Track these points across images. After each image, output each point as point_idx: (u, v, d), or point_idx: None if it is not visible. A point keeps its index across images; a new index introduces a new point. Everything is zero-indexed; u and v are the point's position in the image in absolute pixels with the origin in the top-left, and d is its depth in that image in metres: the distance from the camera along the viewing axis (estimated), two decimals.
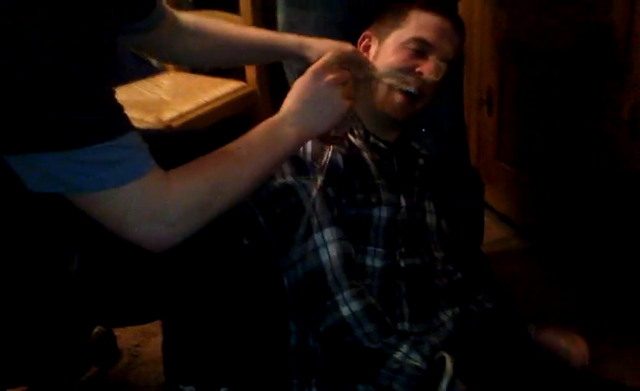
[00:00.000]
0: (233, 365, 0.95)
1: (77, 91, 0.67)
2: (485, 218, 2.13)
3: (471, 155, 2.07)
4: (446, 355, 0.92)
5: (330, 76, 0.91)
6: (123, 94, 2.12)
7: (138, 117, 1.76)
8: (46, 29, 0.63)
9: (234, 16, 1.92)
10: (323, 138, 0.99)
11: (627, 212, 1.61)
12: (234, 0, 1.91)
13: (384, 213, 1.05)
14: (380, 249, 1.04)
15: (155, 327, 1.54)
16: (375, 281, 1.03)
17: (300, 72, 0.96)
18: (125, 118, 0.73)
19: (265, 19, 1.84)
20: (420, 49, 1.10)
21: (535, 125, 1.87)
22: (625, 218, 1.62)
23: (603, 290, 1.73)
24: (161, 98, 1.97)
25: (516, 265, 1.92)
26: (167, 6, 1.06)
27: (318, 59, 0.94)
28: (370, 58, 1.14)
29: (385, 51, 1.13)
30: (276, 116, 0.89)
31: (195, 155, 0.83)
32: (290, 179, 1.01)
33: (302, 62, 1.09)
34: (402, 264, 1.05)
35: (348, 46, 1.06)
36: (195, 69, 2.12)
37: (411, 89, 1.09)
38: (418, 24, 1.11)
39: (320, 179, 1.01)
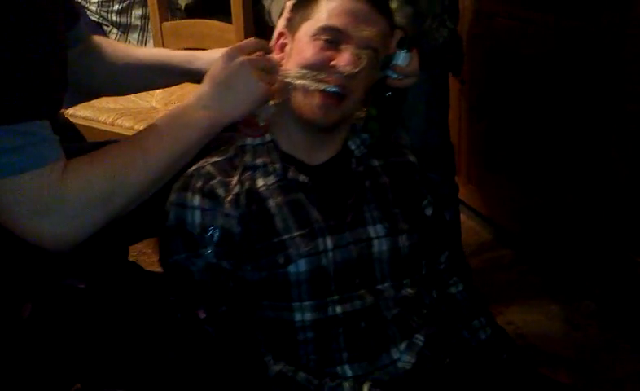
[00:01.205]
0: None
1: None
2: (474, 224, 2.15)
3: (462, 162, 2.09)
4: (365, 385, 0.89)
5: (243, 57, 0.86)
6: (114, 103, 2.12)
7: (129, 125, 1.76)
8: None
9: (227, 25, 1.92)
10: (242, 127, 0.92)
11: (618, 220, 1.62)
12: (227, 8, 1.91)
13: (302, 267, 0.93)
14: (307, 303, 0.94)
15: None
16: (309, 333, 0.94)
17: None
18: (37, 105, 0.70)
19: (258, 27, 1.84)
20: (333, 39, 0.95)
21: (524, 132, 1.88)
22: (616, 226, 1.63)
23: (593, 297, 1.74)
24: (152, 106, 1.96)
25: (505, 272, 1.93)
26: (87, 30, 1.03)
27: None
28: (286, 57, 1.01)
29: (297, 47, 0.98)
30: (186, 101, 0.83)
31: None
32: (179, 257, 0.96)
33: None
34: (338, 310, 0.95)
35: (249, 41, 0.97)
36: None
37: (330, 87, 0.94)
38: (328, 12, 0.96)
39: (210, 251, 0.94)
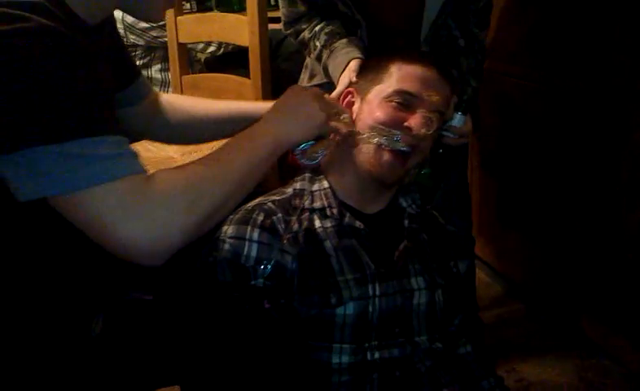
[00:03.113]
0: None
1: (72, 89, 0.71)
2: (485, 278, 2.14)
3: (475, 215, 2.10)
4: None
5: (308, 91, 0.98)
6: None
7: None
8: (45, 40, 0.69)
9: (244, 79, 1.97)
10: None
11: (631, 274, 1.61)
12: (245, 62, 1.97)
13: (350, 309, 0.96)
14: (347, 345, 0.97)
15: None
16: (344, 377, 0.96)
17: None
18: (119, 129, 0.76)
19: (275, 85, 1.89)
20: (405, 102, 1.01)
21: (535, 187, 1.90)
22: (630, 281, 1.62)
23: (607, 355, 1.71)
24: (170, 155, 2.01)
25: (516, 327, 1.91)
26: (149, 84, 1.11)
27: None
28: (354, 115, 1.07)
29: (368, 107, 1.05)
30: (254, 124, 0.92)
31: None
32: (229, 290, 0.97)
33: None
34: (376, 356, 0.97)
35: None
36: None
37: (402, 147, 1.00)
38: (400, 77, 1.03)
39: (260, 283, 0.96)
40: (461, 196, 1.68)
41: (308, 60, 1.51)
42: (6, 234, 0.80)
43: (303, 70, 1.53)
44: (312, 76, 1.47)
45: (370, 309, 0.98)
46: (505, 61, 1.91)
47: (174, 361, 0.94)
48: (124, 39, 2.28)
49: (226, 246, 0.99)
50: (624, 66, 1.52)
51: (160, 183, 0.77)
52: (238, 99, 1.91)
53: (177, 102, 1.14)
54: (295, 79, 1.60)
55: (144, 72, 2.38)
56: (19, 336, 0.83)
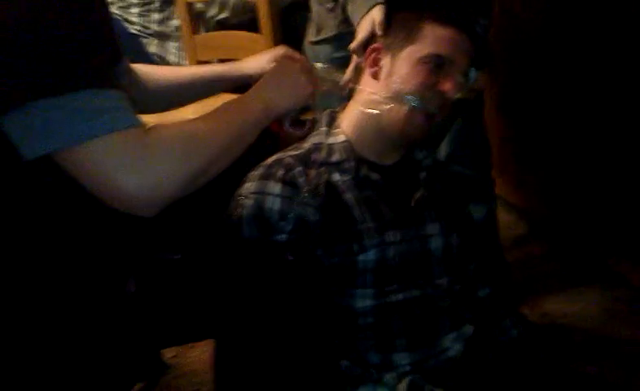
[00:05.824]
0: (280, 382, 0.95)
1: (71, 41, 0.72)
2: (509, 218, 2.14)
3: (495, 155, 2.09)
4: (406, 380, 0.95)
5: (296, 65, 1.04)
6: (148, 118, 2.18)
7: None
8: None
9: (257, 35, 1.96)
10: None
11: None
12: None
13: (371, 256, 1.01)
14: (369, 290, 1.02)
15: None
16: (369, 319, 1.01)
17: None
18: (117, 84, 0.77)
19: (286, 38, 1.89)
20: (438, 64, 1.04)
21: (556, 123, 1.87)
22: None
23: (630, 286, 1.72)
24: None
25: (539, 265, 1.92)
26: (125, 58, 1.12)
27: (256, 71, 1.08)
28: (383, 73, 1.07)
29: (401, 67, 1.06)
30: (246, 93, 0.98)
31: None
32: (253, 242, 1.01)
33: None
34: (398, 298, 1.02)
35: (281, 50, 1.12)
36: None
37: (434, 109, 1.04)
38: (434, 39, 1.04)
39: (284, 238, 1.00)
40: (481, 142, 1.67)
41: (314, 13, 1.49)
42: (41, 198, 0.82)
43: (308, 24, 1.51)
44: (319, 31, 1.46)
45: (391, 254, 1.02)
46: None
47: (205, 315, 0.98)
48: None
49: (250, 201, 1.02)
50: None
51: (158, 135, 0.80)
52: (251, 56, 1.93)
53: (150, 70, 1.16)
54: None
55: (162, 28, 2.38)
56: (59, 298, 0.86)
